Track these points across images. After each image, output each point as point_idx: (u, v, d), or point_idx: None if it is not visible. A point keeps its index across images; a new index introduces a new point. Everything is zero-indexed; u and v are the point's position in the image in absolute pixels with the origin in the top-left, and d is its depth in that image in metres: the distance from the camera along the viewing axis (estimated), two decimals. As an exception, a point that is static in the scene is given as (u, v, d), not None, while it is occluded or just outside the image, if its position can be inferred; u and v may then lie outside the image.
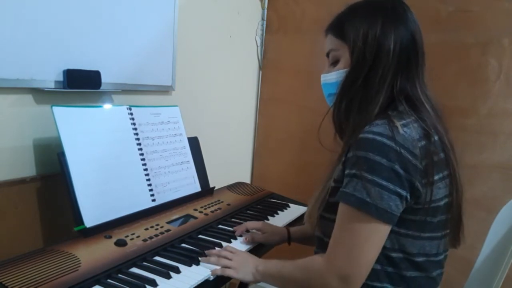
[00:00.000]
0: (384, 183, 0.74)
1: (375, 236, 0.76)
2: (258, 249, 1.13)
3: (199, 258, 0.98)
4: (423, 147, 0.78)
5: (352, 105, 0.85)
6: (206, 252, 1.00)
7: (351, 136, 0.83)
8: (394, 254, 0.81)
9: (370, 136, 0.77)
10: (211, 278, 0.92)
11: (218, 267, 0.94)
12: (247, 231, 1.15)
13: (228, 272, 0.93)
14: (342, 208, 0.79)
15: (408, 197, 0.76)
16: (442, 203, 0.81)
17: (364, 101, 0.84)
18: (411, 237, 0.81)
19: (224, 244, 1.07)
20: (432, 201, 0.79)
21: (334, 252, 0.80)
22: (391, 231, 0.79)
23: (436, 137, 0.82)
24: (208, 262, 0.96)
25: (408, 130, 0.77)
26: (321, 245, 0.91)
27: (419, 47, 0.86)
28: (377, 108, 0.82)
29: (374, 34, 0.83)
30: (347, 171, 0.79)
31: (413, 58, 0.85)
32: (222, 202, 1.36)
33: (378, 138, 0.76)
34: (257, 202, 1.45)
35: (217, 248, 1.03)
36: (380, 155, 0.75)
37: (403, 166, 0.75)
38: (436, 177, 0.79)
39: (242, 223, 1.18)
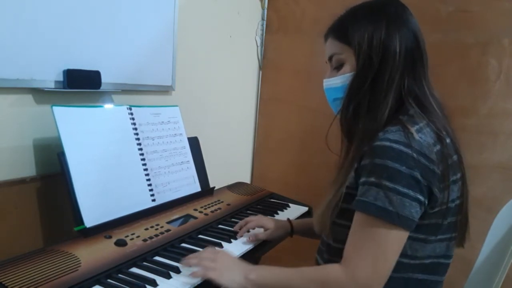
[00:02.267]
0: (405, 190, 0.74)
1: (397, 243, 0.76)
2: (263, 245, 1.12)
3: (178, 264, 0.91)
4: (439, 151, 0.77)
5: (360, 109, 0.85)
6: (185, 257, 0.93)
7: (362, 141, 0.82)
8: (405, 260, 0.81)
9: (387, 143, 0.76)
10: (195, 282, 0.86)
11: (199, 269, 0.87)
12: (249, 231, 1.14)
13: (211, 275, 0.85)
14: (361, 217, 0.78)
15: (426, 202, 0.76)
16: (453, 204, 0.81)
17: (372, 104, 0.83)
18: (423, 241, 0.81)
19: (224, 244, 1.07)
20: (447, 203, 0.79)
21: (356, 262, 0.77)
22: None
23: (448, 140, 0.81)
24: (188, 265, 0.90)
25: (422, 135, 0.77)
26: (329, 251, 0.90)
27: (422, 47, 0.86)
28: (386, 111, 0.82)
29: (379, 37, 0.83)
30: (363, 179, 0.78)
31: (418, 59, 0.85)
32: (222, 202, 1.36)
33: (395, 145, 0.75)
34: (257, 202, 1.45)
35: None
36: (399, 163, 0.74)
37: (421, 172, 0.74)
38: (451, 180, 0.79)
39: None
